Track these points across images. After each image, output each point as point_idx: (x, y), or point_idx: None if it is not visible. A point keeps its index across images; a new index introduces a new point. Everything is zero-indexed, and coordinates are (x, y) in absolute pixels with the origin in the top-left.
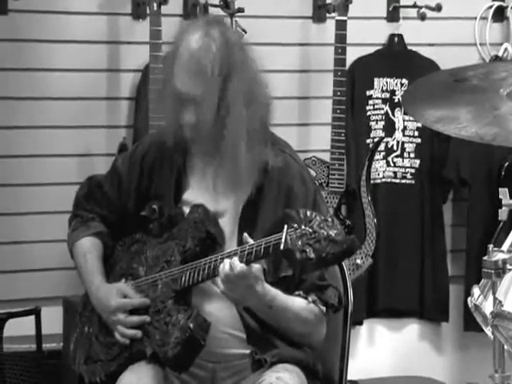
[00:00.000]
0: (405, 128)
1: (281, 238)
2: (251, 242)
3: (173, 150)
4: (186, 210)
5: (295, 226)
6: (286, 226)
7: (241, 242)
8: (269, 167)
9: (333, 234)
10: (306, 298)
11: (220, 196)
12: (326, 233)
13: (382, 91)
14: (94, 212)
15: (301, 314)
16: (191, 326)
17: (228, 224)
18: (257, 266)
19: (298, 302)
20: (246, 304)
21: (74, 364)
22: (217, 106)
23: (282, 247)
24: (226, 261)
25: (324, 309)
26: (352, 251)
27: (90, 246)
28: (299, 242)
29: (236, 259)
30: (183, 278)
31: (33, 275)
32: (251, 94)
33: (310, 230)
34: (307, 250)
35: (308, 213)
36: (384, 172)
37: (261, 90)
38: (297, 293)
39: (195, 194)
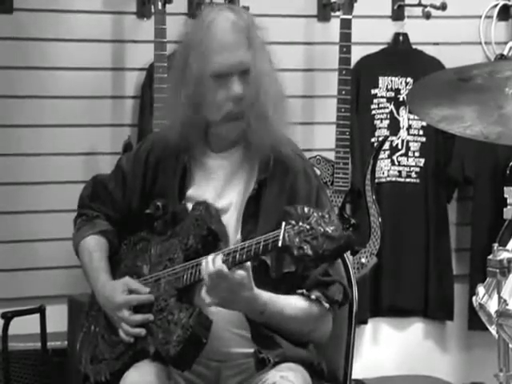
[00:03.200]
0: (409, 127)
1: (278, 235)
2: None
3: (177, 147)
4: (190, 206)
5: (293, 222)
6: (283, 223)
7: (245, 237)
8: (272, 162)
9: (329, 231)
10: (308, 296)
11: (224, 191)
12: (322, 229)
13: (387, 90)
14: (99, 211)
15: (298, 315)
16: (192, 324)
17: (232, 219)
18: (241, 273)
19: (296, 304)
20: (232, 308)
21: (80, 364)
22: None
23: (279, 244)
24: (209, 257)
25: (327, 306)
26: (349, 247)
27: (95, 245)
28: (297, 239)
29: (219, 257)
30: (185, 276)
31: (38, 273)
32: (275, 74)
33: (308, 227)
34: (304, 247)
35: (306, 209)
36: (389, 171)
37: (277, 74)
38: (299, 291)
39: (199, 190)
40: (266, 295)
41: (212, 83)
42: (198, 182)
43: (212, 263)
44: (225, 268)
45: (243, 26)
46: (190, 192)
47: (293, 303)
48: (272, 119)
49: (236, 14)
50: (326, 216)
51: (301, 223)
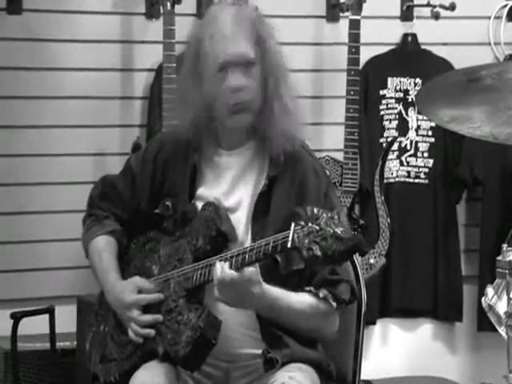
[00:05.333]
0: (418, 127)
1: (288, 236)
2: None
3: (187, 146)
4: (200, 205)
5: (302, 223)
6: (293, 224)
7: (255, 234)
8: (282, 159)
9: (339, 232)
10: (316, 294)
11: (234, 189)
12: (332, 230)
13: (396, 91)
14: (108, 211)
15: (307, 312)
16: (202, 325)
17: (242, 217)
18: (251, 270)
19: (304, 299)
20: (243, 307)
21: (90, 363)
22: (260, 76)
23: (289, 245)
24: (218, 265)
25: (334, 304)
26: (359, 248)
27: (104, 245)
28: (306, 240)
29: (226, 264)
30: (195, 277)
31: (47, 274)
32: (285, 72)
33: (317, 228)
34: (314, 248)
35: (315, 210)
36: (397, 171)
37: (288, 73)
38: (307, 289)
39: (209, 189)
40: (275, 290)
41: (217, 76)
42: (208, 181)
43: (221, 270)
44: (233, 274)
45: (245, 19)
46: (200, 191)
47: (301, 300)
48: (286, 115)
49: (238, 8)
50: (336, 217)
51: (310, 224)
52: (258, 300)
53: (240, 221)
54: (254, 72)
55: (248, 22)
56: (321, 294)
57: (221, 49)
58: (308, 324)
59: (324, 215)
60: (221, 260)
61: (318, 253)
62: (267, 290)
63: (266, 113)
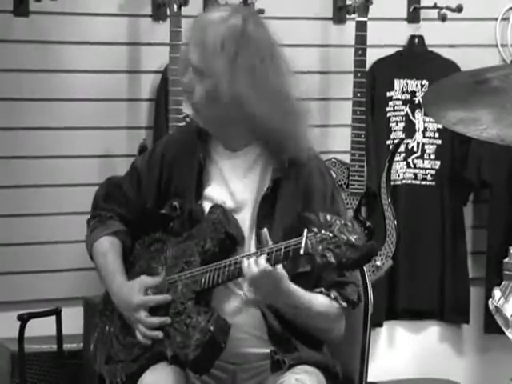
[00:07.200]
0: (425, 129)
1: (301, 243)
2: (269, 241)
3: (193, 146)
4: (207, 205)
5: (315, 230)
6: (305, 230)
7: (259, 235)
8: (287, 161)
9: (353, 239)
10: (328, 295)
11: (238, 190)
12: (346, 238)
13: (403, 92)
14: (112, 211)
15: (324, 312)
16: (212, 328)
17: (246, 218)
18: (281, 267)
19: (321, 300)
20: (271, 302)
21: (95, 364)
22: (226, 88)
23: (302, 252)
24: (251, 260)
25: (345, 305)
26: (372, 256)
27: (108, 246)
28: (319, 247)
29: (262, 257)
30: (203, 280)
31: (54, 276)
32: (271, 82)
33: (331, 235)
34: (327, 255)
35: (328, 217)
36: (404, 173)
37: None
38: (318, 290)
39: (215, 190)
40: (301, 290)
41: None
42: (214, 182)
43: (255, 264)
44: (269, 267)
45: (220, 31)
46: (207, 191)
47: (319, 300)
48: (283, 122)
49: (228, 17)
50: (349, 224)
51: (323, 231)
52: (285, 297)
53: (244, 222)
54: (204, 82)
55: (219, 33)
56: (332, 295)
57: (182, 51)
58: (323, 324)
59: (337, 222)
60: (232, 262)
61: (332, 260)
62: (295, 290)
63: (255, 124)
